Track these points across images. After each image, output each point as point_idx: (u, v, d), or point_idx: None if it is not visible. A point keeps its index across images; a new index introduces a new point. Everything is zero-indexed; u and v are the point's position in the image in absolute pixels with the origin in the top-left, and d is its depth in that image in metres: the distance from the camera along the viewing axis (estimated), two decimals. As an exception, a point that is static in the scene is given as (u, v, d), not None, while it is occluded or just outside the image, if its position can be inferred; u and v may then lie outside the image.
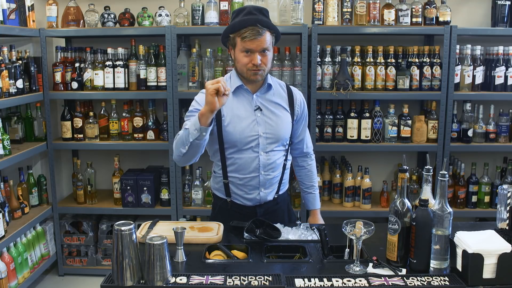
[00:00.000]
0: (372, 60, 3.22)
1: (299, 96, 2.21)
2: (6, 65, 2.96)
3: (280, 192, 2.22)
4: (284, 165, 2.18)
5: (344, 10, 3.20)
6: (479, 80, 3.25)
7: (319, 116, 3.31)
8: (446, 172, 1.67)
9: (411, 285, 1.57)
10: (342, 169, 3.46)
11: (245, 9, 2.03)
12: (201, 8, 3.24)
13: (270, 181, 2.14)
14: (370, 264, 1.70)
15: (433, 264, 1.68)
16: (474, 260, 1.56)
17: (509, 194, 1.79)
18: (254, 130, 2.06)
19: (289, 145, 2.18)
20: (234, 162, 2.09)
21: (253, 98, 2.09)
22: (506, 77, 3.21)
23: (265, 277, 1.61)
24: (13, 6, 3.10)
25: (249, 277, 1.61)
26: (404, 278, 1.61)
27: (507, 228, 1.81)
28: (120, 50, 3.33)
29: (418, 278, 1.60)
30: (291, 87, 2.22)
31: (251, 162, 2.08)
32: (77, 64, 3.38)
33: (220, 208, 2.24)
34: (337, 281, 1.59)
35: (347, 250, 1.81)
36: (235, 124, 2.04)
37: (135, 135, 3.40)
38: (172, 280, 1.59)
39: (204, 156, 3.65)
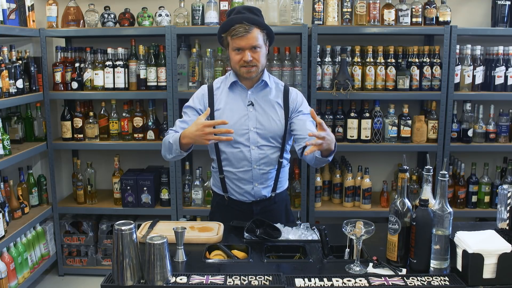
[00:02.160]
0: (372, 60, 3.22)
1: (294, 93, 2.22)
2: (6, 65, 2.96)
3: (278, 191, 2.24)
4: (280, 163, 2.20)
5: (344, 10, 3.20)
6: (479, 80, 3.25)
7: (319, 116, 3.30)
8: (446, 172, 1.67)
9: (411, 285, 1.57)
10: (342, 169, 3.46)
11: (234, 9, 2.11)
12: (201, 8, 3.24)
13: (264, 176, 2.17)
14: (370, 264, 1.71)
15: (433, 264, 1.68)
16: (474, 260, 1.57)
17: (509, 194, 1.79)
18: (245, 125, 2.12)
19: (282, 143, 2.18)
20: (228, 156, 2.16)
21: (247, 94, 2.15)
22: (506, 77, 3.21)
23: (265, 277, 1.61)
24: (13, 6, 3.10)
25: (249, 277, 1.61)
26: (404, 278, 1.61)
27: (507, 228, 1.81)
28: (120, 50, 3.33)
29: (418, 278, 1.61)
30: (290, 87, 2.25)
31: (243, 156, 2.13)
32: (77, 64, 3.38)
33: (217, 204, 2.29)
34: (337, 281, 1.59)
35: (347, 250, 1.81)
36: (227, 117, 2.11)
37: (135, 135, 3.40)
38: (172, 279, 1.59)
39: (204, 156, 3.66)
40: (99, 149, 3.61)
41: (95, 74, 3.31)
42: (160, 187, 3.44)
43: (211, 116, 2.13)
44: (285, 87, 2.23)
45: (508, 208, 1.80)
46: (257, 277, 1.60)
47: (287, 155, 2.25)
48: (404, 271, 1.67)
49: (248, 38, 2.02)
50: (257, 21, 2.05)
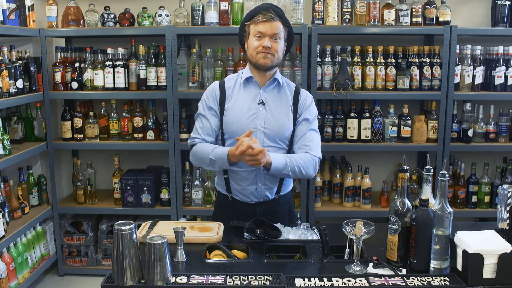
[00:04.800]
0: (372, 60, 3.22)
1: (304, 95, 2.21)
2: (6, 65, 2.96)
3: (282, 193, 2.24)
4: None
5: (344, 10, 3.20)
6: (479, 80, 3.25)
7: (319, 116, 3.31)
8: (446, 172, 1.67)
9: (411, 285, 1.57)
10: (342, 169, 3.46)
11: (262, 5, 2.16)
12: (201, 8, 3.24)
13: (268, 177, 2.15)
14: (370, 264, 1.71)
15: (433, 264, 1.68)
16: (474, 260, 1.57)
17: (509, 194, 1.79)
18: (253, 123, 2.11)
19: (289, 145, 2.18)
20: None
21: (259, 93, 2.14)
22: (506, 77, 3.21)
23: (265, 277, 1.61)
24: (13, 6, 3.10)
25: (249, 277, 1.61)
26: (404, 278, 1.61)
27: (507, 228, 1.81)
28: (120, 50, 3.33)
29: (418, 278, 1.61)
30: (301, 88, 2.24)
31: None
32: (77, 64, 3.38)
33: (221, 203, 2.29)
34: (337, 281, 1.59)
35: (347, 250, 1.81)
36: (236, 114, 2.11)
37: (135, 135, 3.40)
38: (172, 279, 1.59)
39: (204, 156, 3.63)
40: (99, 149, 3.61)
41: (95, 74, 3.31)
42: (160, 187, 3.44)
43: (221, 112, 2.14)
44: (296, 88, 2.22)
45: (508, 208, 1.80)
46: (257, 277, 1.60)
47: None
48: (404, 271, 1.67)
49: (271, 25, 2.04)
50: (281, 15, 2.10)
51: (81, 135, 3.42)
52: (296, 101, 2.18)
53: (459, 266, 1.63)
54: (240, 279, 1.59)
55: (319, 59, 3.24)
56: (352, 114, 3.27)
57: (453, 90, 3.19)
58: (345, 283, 1.57)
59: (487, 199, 3.31)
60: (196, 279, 1.60)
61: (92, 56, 3.40)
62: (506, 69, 3.20)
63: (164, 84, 3.30)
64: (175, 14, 3.28)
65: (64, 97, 3.46)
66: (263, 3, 2.19)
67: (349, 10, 3.20)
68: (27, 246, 3.17)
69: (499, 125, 3.28)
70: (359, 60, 3.24)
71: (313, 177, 2.16)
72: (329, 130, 3.29)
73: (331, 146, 3.30)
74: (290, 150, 2.17)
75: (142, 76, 3.33)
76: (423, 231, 1.63)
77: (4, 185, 3.05)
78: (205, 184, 3.39)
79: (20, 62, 3.16)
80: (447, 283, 1.58)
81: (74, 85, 3.37)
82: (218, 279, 1.59)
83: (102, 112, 3.42)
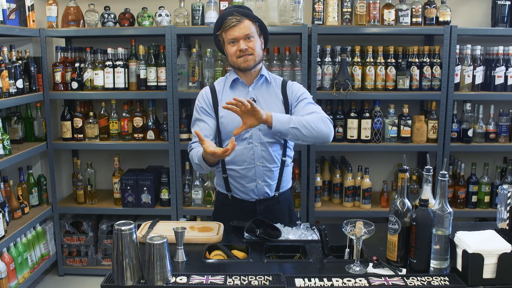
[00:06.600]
0: (372, 60, 3.22)
1: (290, 84, 2.22)
2: (6, 65, 2.96)
3: (281, 190, 2.25)
4: (284, 161, 2.20)
5: (344, 10, 3.20)
6: (479, 80, 3.25)
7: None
8: (446, 172, 1.67)
9: (411, 285, 1.57)
10: (342, 169, 3.46)
11: (225, 10, 2.17)
12: (201, 8, 3.24)
13: (267, 173, 2.16)
14: (370, 264, 1.71)
15: (433, 264, 1.68)
16: (474, 260, 1.57)
17: (509, 194, 1.79)
18: None
19: (285, 140, 2.18)
20: (231, 154, 2.10)
21: (249, 91, 2.16)
22: (506, 77, 3.21)
23: (265, 277, 1.61)
24: (13, 6, 3.10)
25: (249, 277, 1.61)
26: (404, 278, 1.61)
27: (507, 228, 1.81)
28: (120, 50, 3.33)
29: (418, 278, 1.61)
30: (288, 80, 2.25)
31: (246, 152, 2.13)
32: (77, 64, 3.38)
33: (221, 203, 2.30)
34: (337, 281, 1.59)
35: (347, 250, 1.81)
36: (230, 116, 2.10)
37: (135, 135, 3.40)
38: (172, 280, 1.59)
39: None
40: (99, 149, 3.61)
41: (95, 74, 3.31)
42: (160, 187, 3.44)
43: (216, 115, 2.15)
44: (283, 81, 2.23)
45: (508, 208, 1.80)
46: (257, 277, 1.61)
47: (291, 153, 2.25)
48: (404, 271, 1.67)
49: (241, 27, 2.06)
50: (247, 12, 2.11)
51: (81, 135, 3.42)
52: (285, 92, 2.19)
53: (459, 266, 1.63)
54: (240, 279, 1.59)
55: (319, 59, 3.24)
56: (352, 114, 3.26)
57: (453, 90, 3.19)
58: (345, 283, 1.57)
59: (487, 199, 3.31)
60: (196, 279, 1.60)
61: (92, 56, 3.40)
62: (506, 69, 3.20)
63: (164, 84, 3.30)
64: (175, 14, 3.28)
65: (64, 97, 3.46)
66: (227, 8, 2.18)
67: (349, 10, 3.20)
68: (27, 246, 3.17)
69: (499, 125, 3.28)
70: (359, 60, 3.24)
71: (330, 140, 2.05)
72: (329, 130, 3.29)
73: (331, 146, 3.30)
74: (285, 143, 2.19)
75: (142, 76, 3.33)
76: (423, 231, 1.63)
77: (4, 185, 3.05)
78: (205, 184, 3.39)
79: (20, 62, 3.16)
80: (447, 283, 1.58)
81: (74, 85, 3.37)
82: (218, 279, 1.59)
83: (102, 112, 3.42)
